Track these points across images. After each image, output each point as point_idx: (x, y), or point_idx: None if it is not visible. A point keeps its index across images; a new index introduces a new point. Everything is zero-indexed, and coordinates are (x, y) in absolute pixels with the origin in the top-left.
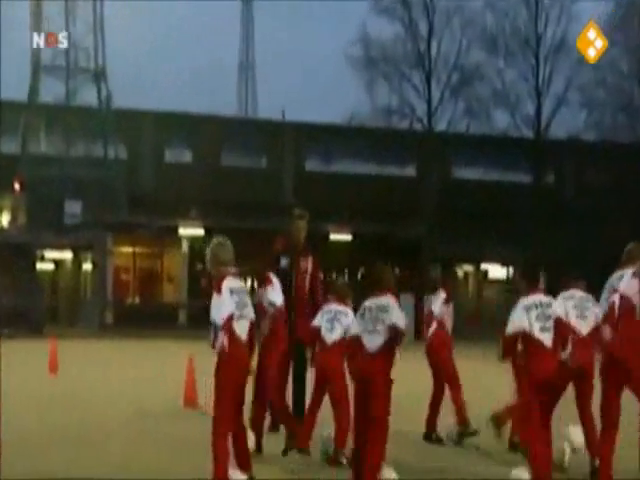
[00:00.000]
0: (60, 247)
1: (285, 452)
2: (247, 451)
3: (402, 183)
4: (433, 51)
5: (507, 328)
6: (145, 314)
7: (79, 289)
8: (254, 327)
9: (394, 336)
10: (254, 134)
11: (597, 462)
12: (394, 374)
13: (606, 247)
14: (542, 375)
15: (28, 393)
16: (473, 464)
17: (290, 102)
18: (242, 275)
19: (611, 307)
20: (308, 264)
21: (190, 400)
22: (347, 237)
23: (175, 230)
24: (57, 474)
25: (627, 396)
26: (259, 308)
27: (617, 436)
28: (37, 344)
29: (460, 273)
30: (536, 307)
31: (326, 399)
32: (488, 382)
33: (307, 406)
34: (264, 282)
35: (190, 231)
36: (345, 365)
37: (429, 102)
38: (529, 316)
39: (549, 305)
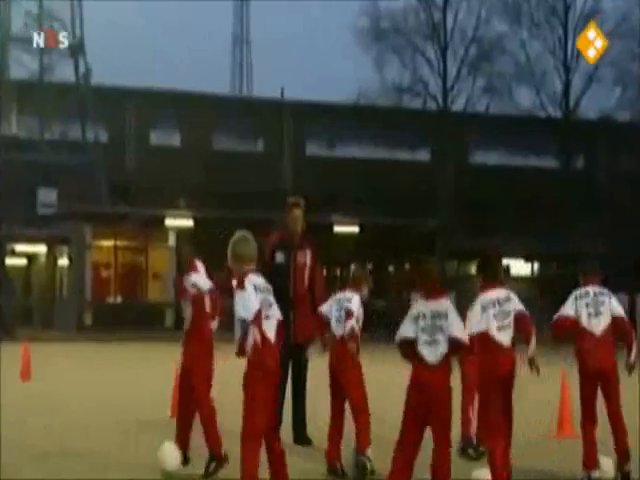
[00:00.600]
0: (33, 240)
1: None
2: (284, 462)
3: (414, 169)
4: (449, 22)
5: (467, 329)
6: (128, 315)
7: (54, 287)
8: (282, 328)
9: (454, 349)
10: (249, 115)
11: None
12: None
13: None
14: (501, 374)
15: None
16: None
17: (290, 79)
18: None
19: None
20: (307, 258)
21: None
22: (353, 229)
23: (161, 221)
24: None
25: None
26: (181, 291)
27: None
28: (8, 348)
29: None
30: (494, 305)
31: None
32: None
33: (330, 421)
34: (188, 268)
35: (178, 222)
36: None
37: (444, 79)
38: (487, 315)
39: (508, 300)
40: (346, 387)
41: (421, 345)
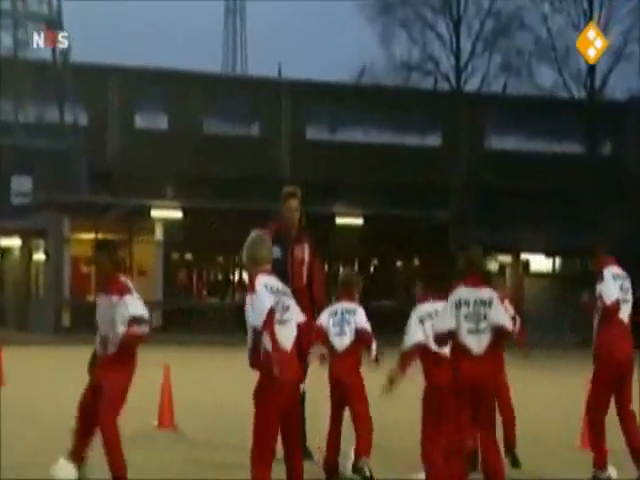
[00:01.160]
0: (6, 233)
1: None
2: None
3: (424, 155)
4: None
5: (405, 343)
6: None
7: (29, 284)
8: (303, 335)
9: (499, 338)
10: (244, 95)
11: None
12: None
13: None
14: (439, 385)
15: None
16: None
17: (288, 56)
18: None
19: None
20: (305, 253)
21: (166, 420)
22: (357, 221)
23: (147, 212)
24: None
25: None
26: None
27: None
28: None
29: (495, 265)
30: (430, 316)
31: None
32: (542, 392)
33: (327, 431)
34: (111, 287)
35: (165, 213)
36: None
37: (457, 56)
38: (424, 328)
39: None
40: (349, 398)
41: (465, 335)
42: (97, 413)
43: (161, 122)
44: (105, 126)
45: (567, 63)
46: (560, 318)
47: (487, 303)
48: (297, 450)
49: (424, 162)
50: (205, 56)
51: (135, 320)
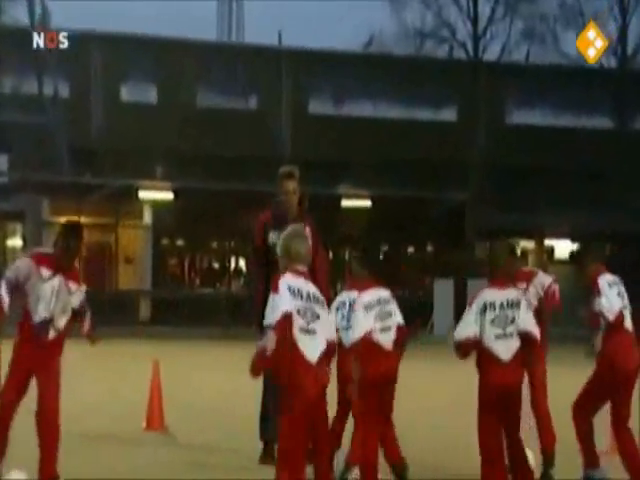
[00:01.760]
0: None
1: None
2: None
3: (439, 130)
4: None
5: (353, 334)
6: (94, 306)
7: (3, 273)
8: (331, 350)
9: (526, 345)
10: (240, 65)
11: None
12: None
13: None
14: (379, 379)
15: None
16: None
17: (289, 23)
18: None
19: None
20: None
21: (155, 420)
22: (365, 203)
23: (134, 193)
24: None
25: None
26: None
27: None
28: None
29: (516, 251)
30: (379, 303)
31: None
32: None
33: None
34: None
35: (154, 195)
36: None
37: (475, 21)
38: (368, 316)
39: (388, 302)
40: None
41: (491, 341)
42: (42, 400)
43: (150, 94)
44: (88, 99)
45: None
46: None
47: (515, 304)
48: (326, 470)
49: (438, 138)
50: (198, 22)
51: (81, 312)
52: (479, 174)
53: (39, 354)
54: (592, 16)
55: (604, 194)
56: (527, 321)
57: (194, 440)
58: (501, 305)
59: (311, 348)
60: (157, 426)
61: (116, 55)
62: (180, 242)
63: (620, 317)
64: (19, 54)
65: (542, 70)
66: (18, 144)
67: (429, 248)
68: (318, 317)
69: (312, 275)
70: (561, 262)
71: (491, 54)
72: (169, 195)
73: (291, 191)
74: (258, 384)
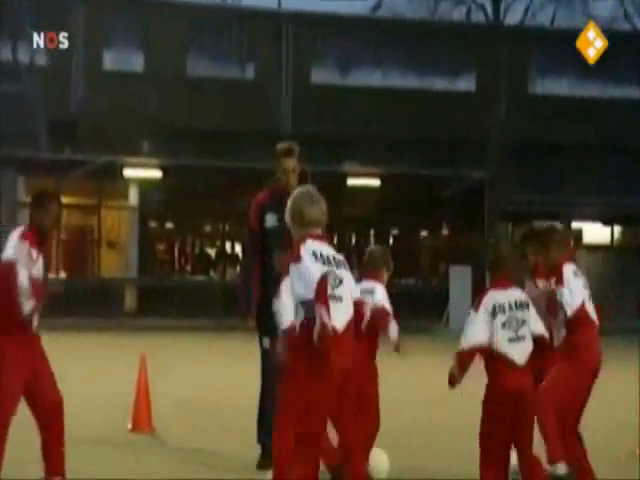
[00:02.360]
0: None
1: None
2: None
3: (455, 102)
4: None
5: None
6: (75, 295)
7: None
8: (359, 317)
9: (539, 349)
10: (236, 30)
11: None
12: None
13: None
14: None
15: None
16: None
17: None
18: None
19: None
20: None
21: (142, 421)
22: (373, 182)
23: (119, 171)
24: None
25: None
26: None
27: None
28: None
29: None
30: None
31: None
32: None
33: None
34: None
35: (141, 173)
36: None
37: None
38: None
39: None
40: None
41: (505, 345)
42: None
43: (136, 62)
44: (68, 67)
45: None
46: (621, 298)
47: (524, 305)
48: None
49: (455, 110)
50: None
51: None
52: (499, 150)
53: (31, 348)
54: None
55: (637, 172)
56: (537, 323)
57: (185, 443)
58: (510, 307)
59: (337, 316)
60: (144, 427)
61: (99, 18)
62: (169, 225)
63: (580, 312)
64: None
65: (569, 35)
66: None
67: (444, 232)
68: (342, 282)
69: None
70: (591, 247)
71: (513, 17)
72: (157, 173)
73: (290, 169)
74: (255, 381)
